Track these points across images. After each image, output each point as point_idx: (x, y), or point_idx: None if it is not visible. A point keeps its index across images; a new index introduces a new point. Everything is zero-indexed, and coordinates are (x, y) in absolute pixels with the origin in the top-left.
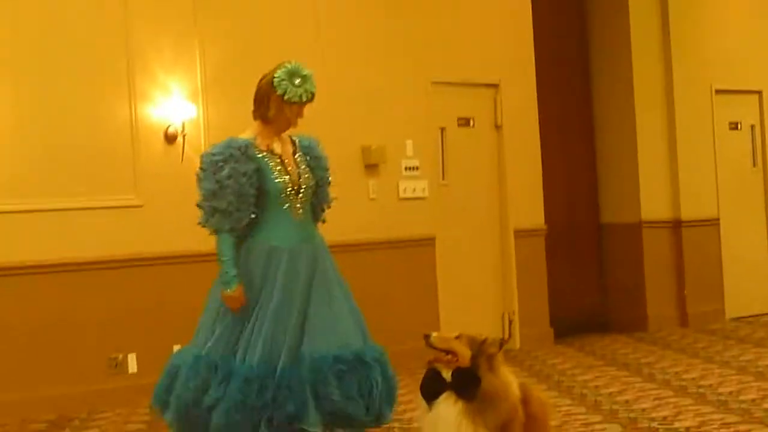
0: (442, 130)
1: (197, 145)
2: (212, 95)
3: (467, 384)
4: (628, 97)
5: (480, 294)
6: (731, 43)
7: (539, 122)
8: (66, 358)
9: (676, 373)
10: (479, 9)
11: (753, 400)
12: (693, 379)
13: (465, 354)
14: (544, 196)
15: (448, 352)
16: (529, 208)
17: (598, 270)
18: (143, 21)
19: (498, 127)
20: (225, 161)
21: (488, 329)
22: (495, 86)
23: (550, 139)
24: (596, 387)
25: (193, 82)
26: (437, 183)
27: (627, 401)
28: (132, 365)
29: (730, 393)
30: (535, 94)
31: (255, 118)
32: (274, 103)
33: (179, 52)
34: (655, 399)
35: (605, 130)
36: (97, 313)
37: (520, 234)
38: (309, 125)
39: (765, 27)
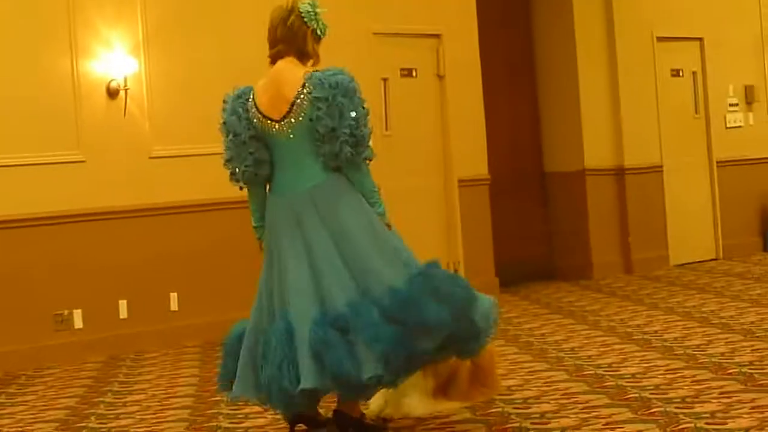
0: (385, 80)
1: (139, 100)
2: (154, 49)
3: None
4: (570, 44)
5: (424, 244)
6: None
7: (482, 72)
8: (11, 315)
9: (622, 320)
10: None
11: (698, 346)
12: (638, 325)
13: None
14: (488, 145)
15: None
16: (472, 158)
17: (543, 218)
18: None
19: (441, 78)
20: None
21: None
22: (437, 36)
23: (493, 89)
24: (542, 335)
25: (134, 36)
26: (380, 134)
27: (573, 349)
28: (78, 321)
29: (675, 339)
30: (478, 44)
31: (282, 55)
32: (309, 39)
33: (121, 6)
34: (600, 346)
35: (548, 78)
36: (42, 269)
37: (464, 184)
38: (248, 77)
39: None
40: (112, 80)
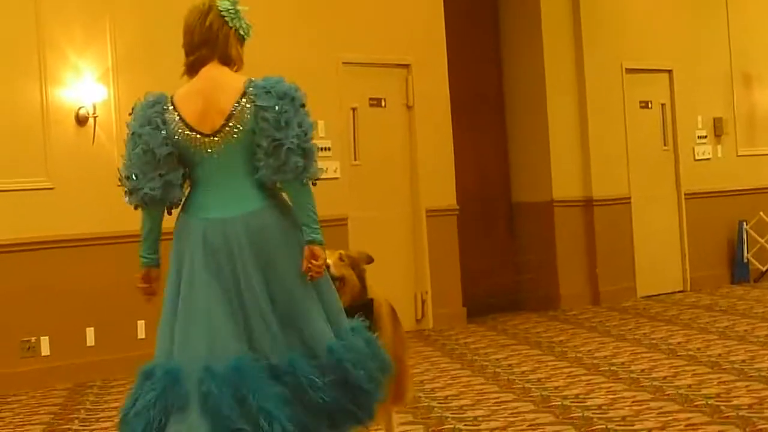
0: (354, 110)
1: (108, 128)
2: (123, 77)
3: (368, 315)
4: (539, 76)
5: (393, 274)
6: (641, 22)
7: (450, 102)
8: None
9: (588, 351)
10: None
11: (664, 378)
12: (605, 357)
13: (353, 278)
14: (456, 176)
15: (338, 278)
16: (441, 188)
17: (511, 249)
18: (53, 1)
19: (409, 108)
20: None
21: (401, 309)
22: (406, 66)
23: (462, 119)
24: (509, 366)
25: (104, 63)
26: (349, 163)
27: (539, 379)
28: (45, 348)
29: (642, 371)
30: (447, 74)
31: (203, 62)
32: (233, 41)
33: (90, 34)
34: (567, 377)
35: (517, 109)
36: (9, 296)
37: (432, 214)
38: None
39: (674, 6)
40: (81, 107)
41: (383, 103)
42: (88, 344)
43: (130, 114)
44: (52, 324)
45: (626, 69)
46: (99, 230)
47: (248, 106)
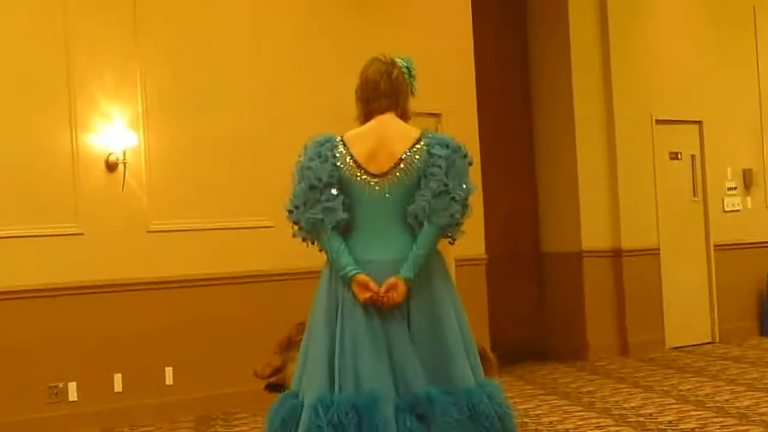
0: None
1: (138, 174)
2: (153, 123)
3: None
4: (569, 126)
5: None
6: (671, 73)
7: (480, 152)
8: (5, 387)
9: (616, 401)
10: (421, 38)
11: (692, 429)
12: (633, 407)
13: None
14: (485, 225)
15: None
16: (470, 238)
17: (539, 299)
18: (84, 48)
19: None
20: None
21: None
22: (437, 116)
23: (492, 170)
24: (537, 416)
25: (134, 109)
26: None
27: (567, 430)
28: (72, 394)
29: (670, 422)
30: (477, 124)
31: (383, 111)
32: (409, 97)
33: (120, 80)
34: (595, 428)
35: (546, 159)
36: (38, 341)
37: (461, 263)
38: (252, 146)
39: (705, 57)
40: (111, 154)
41: None
42: (116, 390)
43: (301, 155)
44: (80, 369)
45: (656, 120)
46: (128, 276)
47: (421, 152)
